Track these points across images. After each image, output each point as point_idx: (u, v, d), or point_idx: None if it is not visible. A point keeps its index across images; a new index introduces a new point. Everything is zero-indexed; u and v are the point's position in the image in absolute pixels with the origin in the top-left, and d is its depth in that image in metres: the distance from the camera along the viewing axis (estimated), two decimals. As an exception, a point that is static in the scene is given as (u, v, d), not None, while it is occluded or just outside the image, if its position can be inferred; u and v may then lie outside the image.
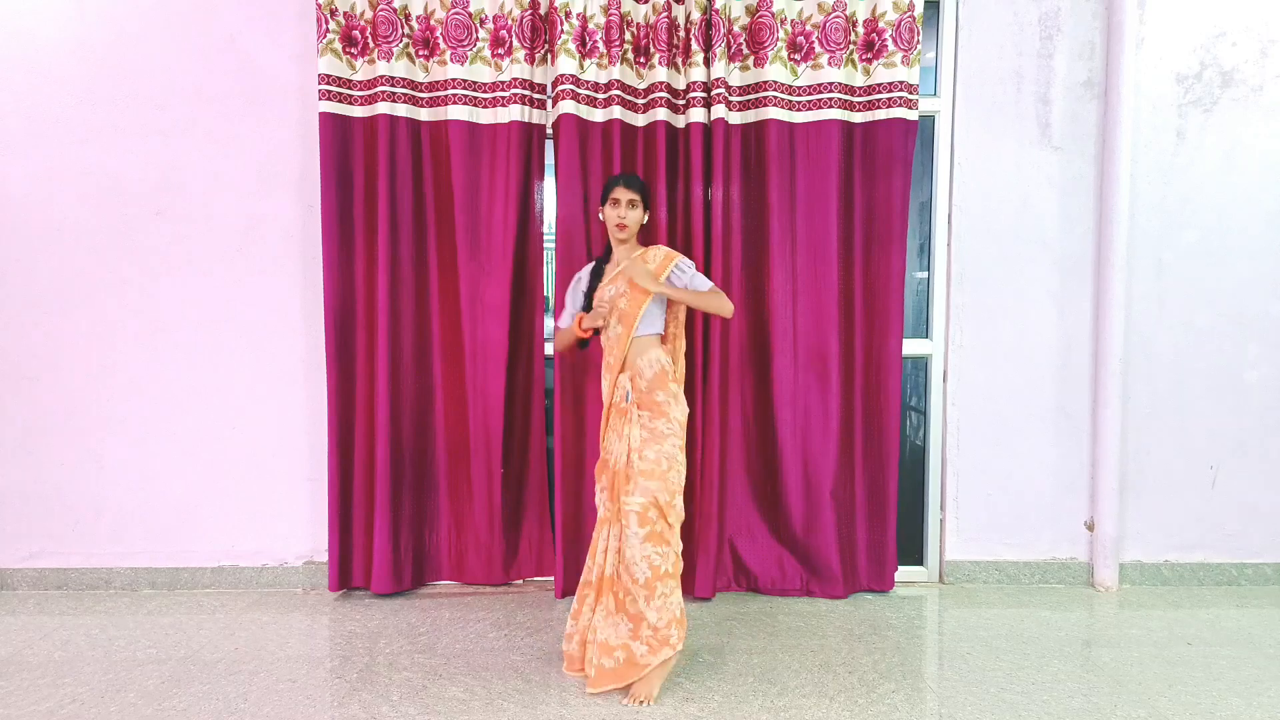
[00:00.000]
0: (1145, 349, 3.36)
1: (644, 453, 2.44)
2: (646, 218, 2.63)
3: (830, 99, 3.15)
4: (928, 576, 3.48)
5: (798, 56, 3.17)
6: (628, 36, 3.14)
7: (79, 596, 3.29)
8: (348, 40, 3.10)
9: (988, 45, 3.28)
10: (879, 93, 3.16)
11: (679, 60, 3.14)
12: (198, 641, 2.84)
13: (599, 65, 3.11)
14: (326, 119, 3.08)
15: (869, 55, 3.17)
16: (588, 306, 2.62)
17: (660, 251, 2.59)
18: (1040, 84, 3.29)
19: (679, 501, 2.48)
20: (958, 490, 3.42)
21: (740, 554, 3.31)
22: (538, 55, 3.14)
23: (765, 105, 3.15)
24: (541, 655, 2.72)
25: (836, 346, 3.22)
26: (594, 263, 2.72)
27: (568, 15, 3.05)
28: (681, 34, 3.12)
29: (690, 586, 3.19)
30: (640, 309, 2.52)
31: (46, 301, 3.26)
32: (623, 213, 2.55)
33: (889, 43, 3.13)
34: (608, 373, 2.61)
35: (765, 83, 3.14)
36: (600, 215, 2.65)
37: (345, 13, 3.08)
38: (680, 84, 3.15)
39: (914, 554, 3.49)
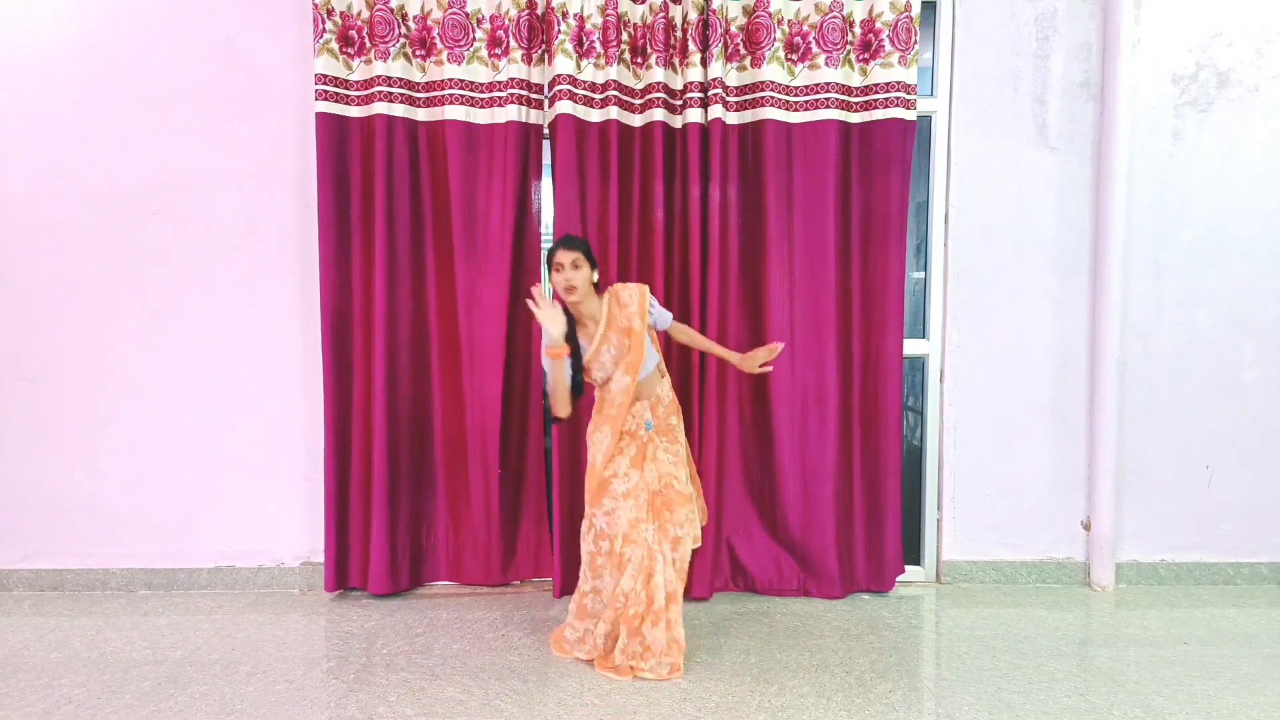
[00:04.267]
0: (1142, 349, 3.36)
1: (679, 476, 2.67)
2: (596, 275, 2.59)
3: (827, 99, 3.16)
4: (925, 576, 3.48)
5: (795, 57, 3.17)
6: (625, 37, 3.14)
7: (75, 597, 3.28)
8: (344, 40, 3.10)
9: (985, 46, 3.29)
10: (876, 93, 3.16)
11: (676, 60, 3.14)
12: (194, 642, 2.84)
13: (596, 65, 3.11)
14: (323, 119, 3.08)
15: (866, 55, 3.17)
16: (578, 386, 2.57)
17: (632, 291, 2.62)
18: (1037, 84, 3.30)
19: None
20: (955, 490, 3.42)
21: (737, 554, 3.31)
22: (535, 55, 3.14)
23: (762, 105, 3.15)
24: (539, 656, 2.72)
25: (834, 347, 3.22)
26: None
27: (565, 15, 3.05)
28: (679, 34, 3.13)
29: (688, 586, 3.17)
30: (643, 350, 2.59)
31: (45, 301, 3.26)
32: (568, 275, 2.52)
33: (886, 43, 3.14)
34: (617, 411, 2.60)
35: (762, 83, 3.15)
36: (550, 281, 2.61)
37: (342, 13, 3.08)
38: (677, 84, 3.15)
39: (911, 554, 3.49)
